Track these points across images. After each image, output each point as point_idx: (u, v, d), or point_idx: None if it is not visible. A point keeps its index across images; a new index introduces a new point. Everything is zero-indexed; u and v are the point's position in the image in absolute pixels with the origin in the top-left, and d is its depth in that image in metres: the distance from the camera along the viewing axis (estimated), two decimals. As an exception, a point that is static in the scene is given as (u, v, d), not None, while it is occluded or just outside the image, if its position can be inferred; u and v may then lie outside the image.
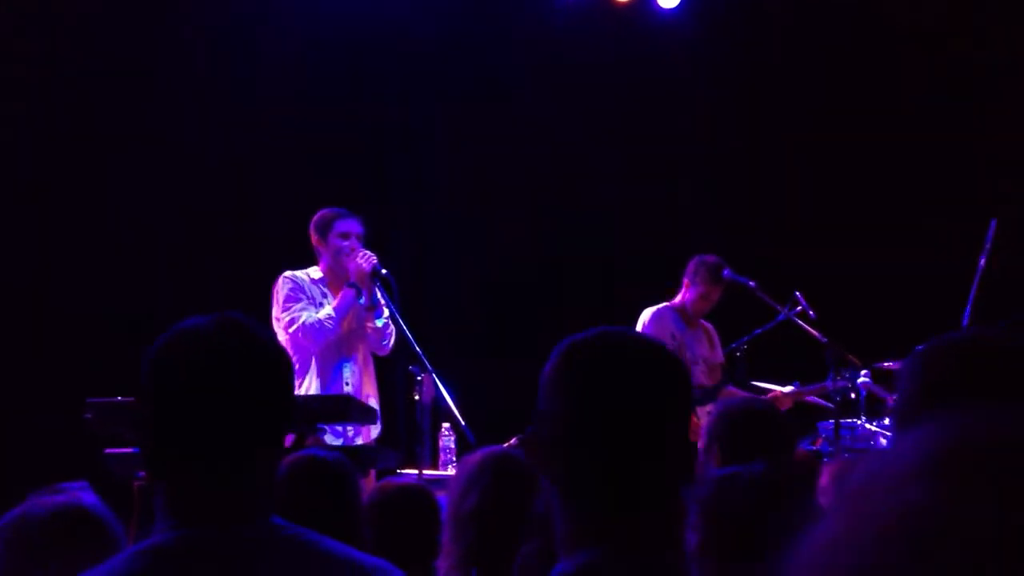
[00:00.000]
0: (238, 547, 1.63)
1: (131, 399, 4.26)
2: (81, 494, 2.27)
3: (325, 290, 5.44)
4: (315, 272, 5.48)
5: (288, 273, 5.43)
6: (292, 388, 1.75)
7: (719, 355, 6.47)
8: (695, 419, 6.04)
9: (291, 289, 5.37)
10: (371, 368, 5.58)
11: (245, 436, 1.65)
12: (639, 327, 6.20)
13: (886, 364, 6.05)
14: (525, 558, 2.55)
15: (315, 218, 5.51)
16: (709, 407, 6.04)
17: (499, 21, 7.86)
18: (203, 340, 1.66)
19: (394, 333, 5.44)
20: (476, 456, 2.99)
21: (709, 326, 6.49)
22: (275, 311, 5.37)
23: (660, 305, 6.32)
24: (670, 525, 1.58)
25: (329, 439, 4.87)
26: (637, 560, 1.53)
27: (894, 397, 1.82)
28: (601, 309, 7.18)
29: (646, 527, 1.55)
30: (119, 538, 2.24)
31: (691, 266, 6.33)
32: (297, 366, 5.22)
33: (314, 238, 5.50)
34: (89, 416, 4.34)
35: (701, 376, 6.30)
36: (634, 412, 1.57)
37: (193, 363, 1.65)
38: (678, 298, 6.37)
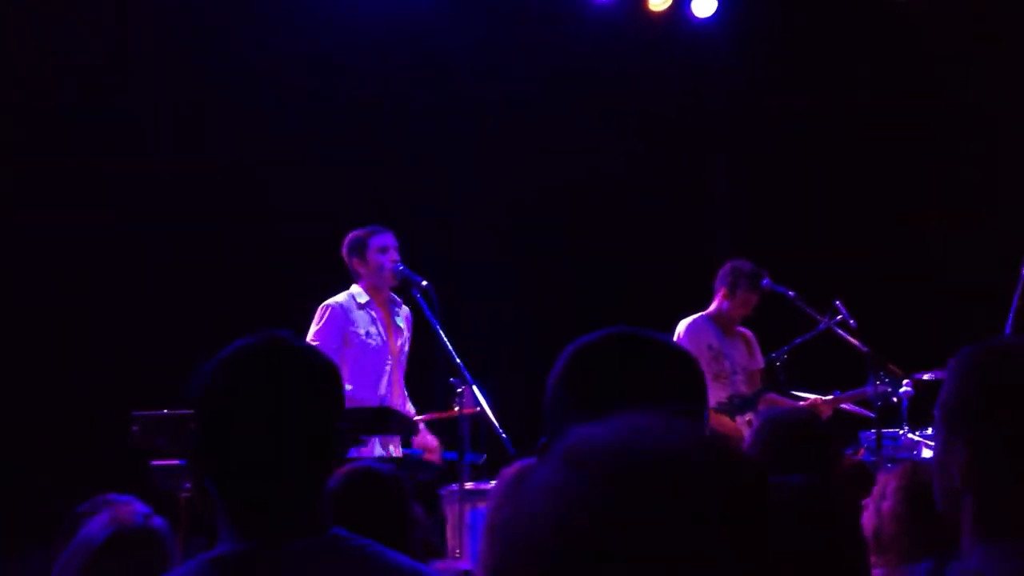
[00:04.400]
0: (304, 559, 1.66)
1: (176, 412, 4.32)
2: (135, 507, 2.32)
3: (374, 314, 5.50)
4: (361, 296, 5.51)
5: (332, 301, 5.44)
6: (342, 403, 1.79)
7: (759, 361, 6.42)
8: (735, 427, 6.02)
9: (327, 320, 5.40)
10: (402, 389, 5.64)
11: (302, 452, 1.69)
12: (674, 339, 6.17)
13: (927, 375, 5.98)
14: None
15: (348, 240, 5.54)
16: (749, 416, 6.02)
17: (531, 32, 7.88)
18: (256, 361, 1.71)
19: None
20: (513, 468, 3.01)
21: (748, 332, 6.44)
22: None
23: (695, 316, 6.29)
24: None
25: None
26: None
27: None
28: (639, 316, 7.14)
29: None
30: (173, 552, 2.29)
31: (726, 274, 6.27)
32: None
33: (352, 260, 5.53)
34: (135, 429, 4.40)
35: (740, 385, 6.26)
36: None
37: (247, 384, 1.70)
38: (713, 306, 6.32)
